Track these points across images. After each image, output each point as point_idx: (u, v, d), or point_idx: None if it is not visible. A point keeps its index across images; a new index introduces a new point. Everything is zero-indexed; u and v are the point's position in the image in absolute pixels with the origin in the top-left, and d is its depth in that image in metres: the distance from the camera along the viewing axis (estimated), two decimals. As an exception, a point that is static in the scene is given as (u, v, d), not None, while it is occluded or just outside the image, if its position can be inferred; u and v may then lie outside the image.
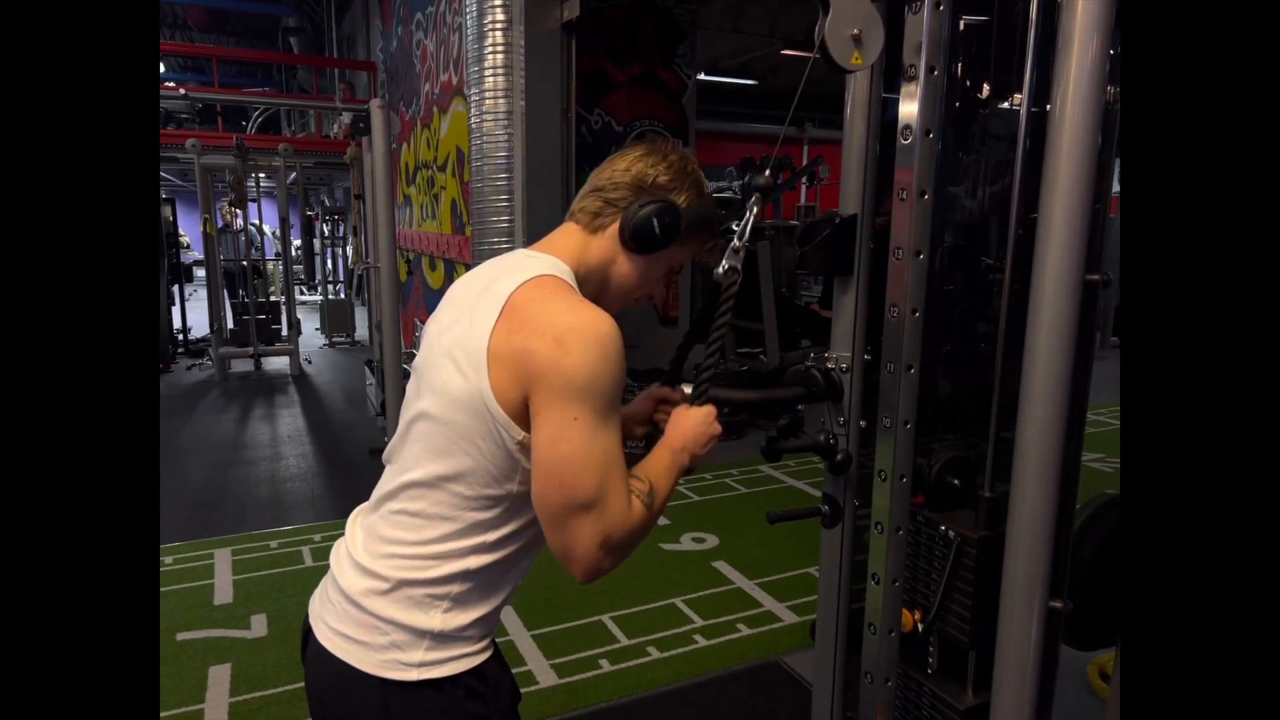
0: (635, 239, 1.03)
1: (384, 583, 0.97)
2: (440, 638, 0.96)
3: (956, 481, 1.27)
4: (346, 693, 0.97)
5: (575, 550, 0.91)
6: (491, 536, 0.97)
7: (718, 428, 1.08)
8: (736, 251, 1.08)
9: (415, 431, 0.99)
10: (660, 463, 1.02)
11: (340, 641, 0.98)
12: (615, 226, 1.04)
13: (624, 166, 1.06)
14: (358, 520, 1.07)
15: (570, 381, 0.88)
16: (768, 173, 1.13)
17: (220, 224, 7.69)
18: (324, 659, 0.99)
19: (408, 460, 0.99)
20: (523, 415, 0.91)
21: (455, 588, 0.96)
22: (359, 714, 0.97)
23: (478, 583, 0.98)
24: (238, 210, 7.55)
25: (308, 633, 1.05)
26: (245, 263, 7.86)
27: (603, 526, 0.90)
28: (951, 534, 1.21)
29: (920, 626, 1.28)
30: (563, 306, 0.93)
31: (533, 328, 0.90)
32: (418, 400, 1.01)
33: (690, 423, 1.06)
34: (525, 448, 0.92)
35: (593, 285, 1.05)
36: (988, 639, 1.15)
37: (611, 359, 0.90)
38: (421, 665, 0.95)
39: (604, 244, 1.05)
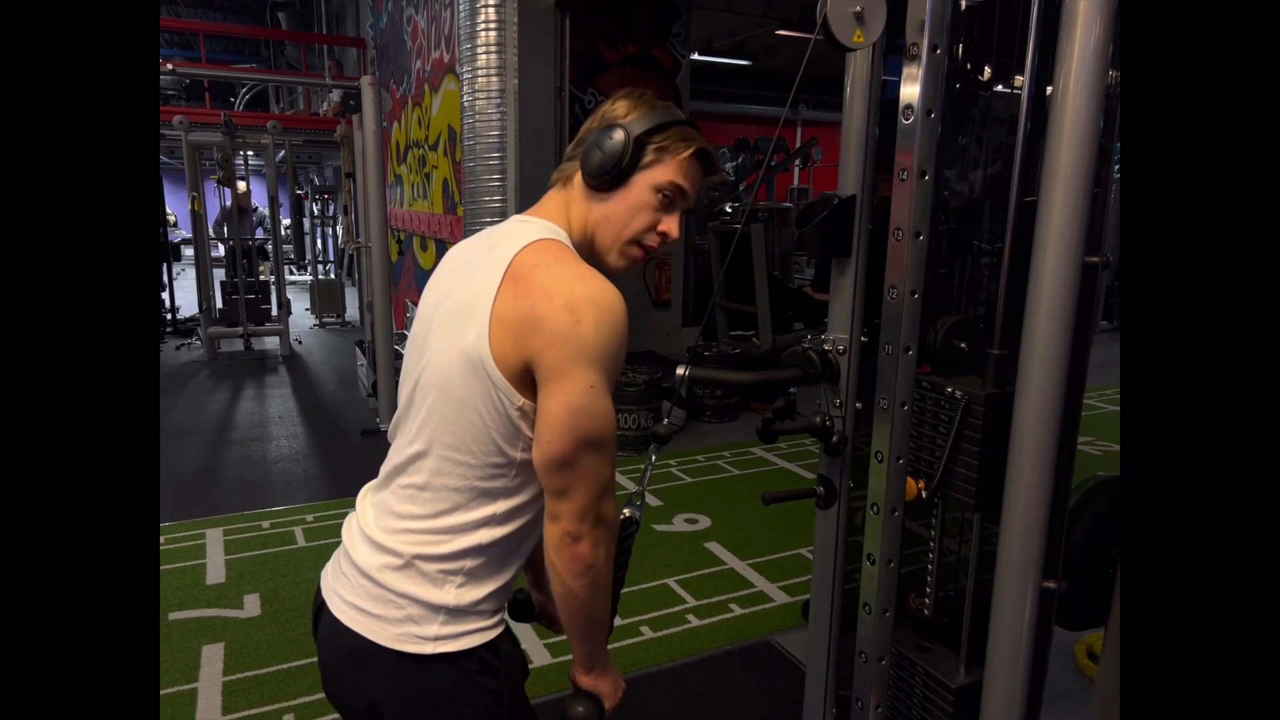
0: (593, 175, 1.01)
1: (397, 558, 0.97)
2: (455, 612, 0.97)
3: (963, 345, 1.24)
4: (361, 665, 0.98)
5: (574, 489, 0.91)
6: (500, 509, 0.97)
7: (620, 695, 1.09)
8: (636, 504, 1.09)
9: (416, 403, 0.99)
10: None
11: (355, 614, 0.99)
12: (579, 175, 1.03)
13: (590, 122, 1.05)
14: (368, 496, 1.07)
15: (583, 349, 0.88)
16: (667, 420, 1.16)
17: (228, 202, 7.61)
18: (338, 632, 1.00)
19: (411, 433, 0.99)
20: (521, 380, 0.91)
21: (468, 563, 0.97)
22: (374, 686, 0.98)
23: (490, 557, 0.98)
24: (245, 188, 7.51)
25: (320, 606, 1.05)
26: (251, 242, 7.80)
27: (609, 473, 0.92)
28: (958, 394, 1.19)
29: (924, 494, 1.27)
30: (570, 273, 0.92)
31: (540, 293, 0.90)
32: (417, 372, 1.00)
33: (613, 676, 1.08)
34: (525, 414, 0.92)
35: (586, 242, 1.04)
36: (994, 500, 1.15)
37: (620, 332, 0.91)
38: (437, 639, 0.96)
39: (576, 195, 1.03)
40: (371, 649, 0.96)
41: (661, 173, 1.01)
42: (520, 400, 0.92)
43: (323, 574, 1.08)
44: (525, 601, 1.24)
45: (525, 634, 2.57)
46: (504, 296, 0.91)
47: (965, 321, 1.26)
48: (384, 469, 1.04)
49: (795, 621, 2.65)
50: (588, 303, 0.89)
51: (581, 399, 0.89)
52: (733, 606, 2.77)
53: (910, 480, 1.28)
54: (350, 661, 0.99)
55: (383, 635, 0.96)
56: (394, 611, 0.96)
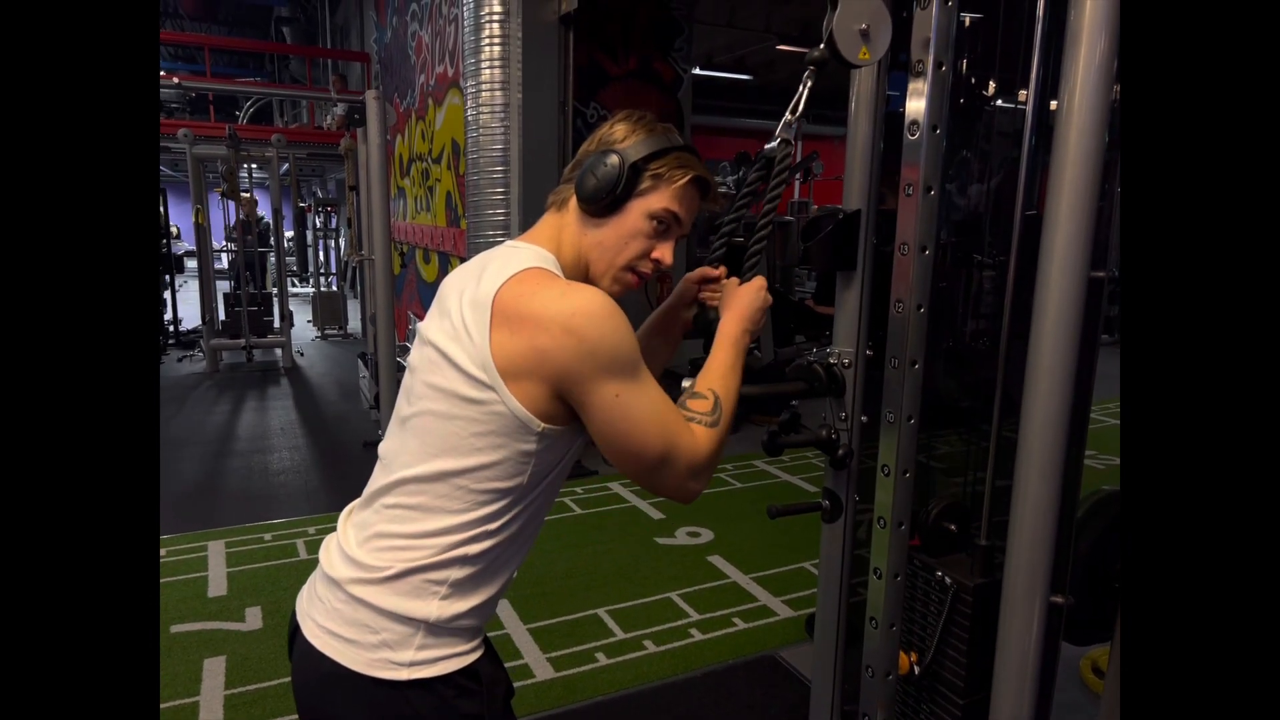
0: (588, 200, 1.00)
1: (378, 572, 0.95)
2: (435, 629, 0.94)
3: (953, 527, 1.28)
4: (334, 691, 0.95)
5: (669, 491, 0.98)
6: (494, 524, 0.96)
7: (769, 297, 1.11)
8: (790, 125, 1.07)
9: (415, 427, 0.97)
10: (722, 360, 1.05)
11: (328, 639, 0.96)
12: (574, 199, 1.02)
13: (588, 144, 1.05)
14: (350, 517, 1.05)
15: (596, 363, 0.89)
16: (823, 46, 1.04)
17: (241, 216, 7.71)
18: (311, 656, 0.97)
19: (405, 456, 0.97)
20: (544, 408, 0.92)
21: (454, 573, 0.95)
22: (346, 713, 0.95)
23: (477, 568, 0.96)
24: (256, 200, 7.59)
25: (295, 630, 1.03)
26: (256, 252, 7.85)
27: (684, 465, 0.95)
28: (948, 580, 1.22)
29: (917, 669, 1.30)
30: (553, 294, 0.91)
31: (534, 325, 0.89)
32: (416, 397, 0.99)
33: (745, 298, 1.09)
34: (545, 437, 0.93)
35: (580, 267, 1.03)
36: (984, 685, 1.17)
37: (621, 326, 0.92)
38: (412, 665, 0.93)
39: (571, 219, 1.03)
40: (345, 675, 0.94)
41: (657, 200, 1.00)
42: (540, 426, 0.92)
43: (298, 597, 1.06)
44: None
45: (527, 646, 2.57)
46: (499, 337, 0.91)
47: (955, 505, 1.29)
48: (368, 490, 1.02)
49: (799, 636, 2.64)
50: (580, 317, 0.89)
51: (612, 414, 0.91)
52: (736, 620, 2.76)
53: (902, 655, 1.31)
54: (323, 687, 0.97)
55: (356, 661, 0.94)
56: (368, 637, 0.94)
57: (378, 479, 1.01)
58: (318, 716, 1.01)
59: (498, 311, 0.91)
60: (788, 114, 1.06)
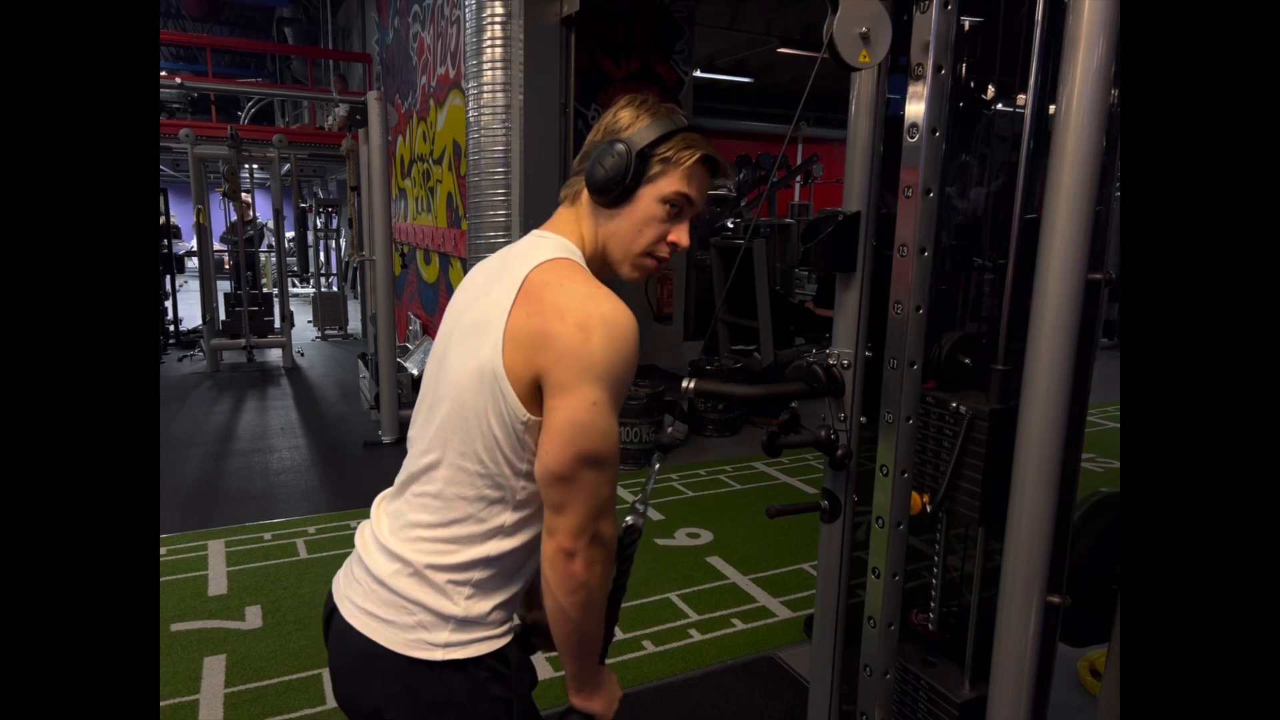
0: (598, 192, 1.01)
1: (408, 566, 0.99)
2: (463, 623, 0.98)
3: (967, 360, 1.25)
4: (371, 669, 0.99)
5: (571, 505, 0.91)
6: (509, 520, 0.98)
7: (616, 702, 1.09)
8: (640, 510, 1.09)
9: (434, 413, 1.01)
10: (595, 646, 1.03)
11: (367, 620, 1.00)
12: (586, 191, 1.03)
13: (594, 134, 1.05)
14: (383, 505, 1.09)
15: (591, 367, 0.89)
16: (670, 429, 1.16)
17: (233, 218, 7.75)
18: (349, 636, 1.01)
19: (427, 442, 1.01)
20: (529, 396, 0.93)
21: (476, 574, 0.98)
22: (384, 691, 0.98)
23: (498, 570, 0.99)
24: (248, 201, 7.62)
25: (331, 612, 1.07)
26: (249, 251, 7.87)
27: (609, 491, 0.92)
28: (963, 410, 1.20)
29: (929, 508, 1.27)
30: (583, 292, 0.93)
31: (552, 311, 0.91)
32: (435, 383, 1.02)
33: (608, 681, 1.08)
34: (530, 429, 0.94)
35: (598, 256, 1.05)
36: (998, 514, 1.14)
37: (629, 353, 0.92)
38: (447, 646, 0.97)
39: (585, 211, 1.04)
40: (382, 654, 0.97)
41: (667, 184, 1.00)
42: (525, 415, 0.93)
43: (334, 580, 1.10)
44: (523, 631, 1.20)
45: (527, 648, 2.57)
46: (517, 314, 0.93)
47: (969, 337, 1.27)
48: (399, 477, 1.06)
49: (798, 637, 2.64)
50: (599, 322, 0.90)
51: (583, 414, 0.90)
52: (735, 621, 2.76)
53: (915, 495, 1.29)
54: (361, 666, 1.00)
55: (394, 640, 0.97)
56: (405, 618, 0.98)
57: (407, 467, 1.05)
58: (356, 698, 1.03)
59: (524, 291, 0.94)
60: (637, 504, 1.11)
